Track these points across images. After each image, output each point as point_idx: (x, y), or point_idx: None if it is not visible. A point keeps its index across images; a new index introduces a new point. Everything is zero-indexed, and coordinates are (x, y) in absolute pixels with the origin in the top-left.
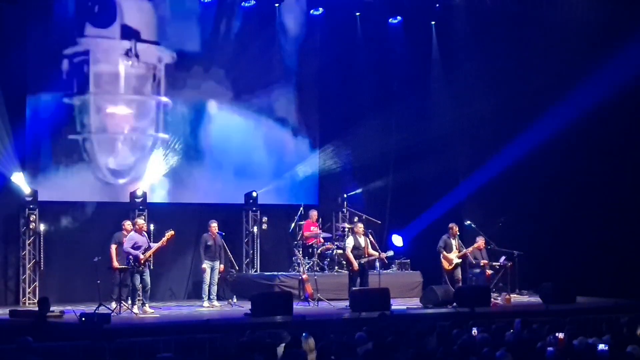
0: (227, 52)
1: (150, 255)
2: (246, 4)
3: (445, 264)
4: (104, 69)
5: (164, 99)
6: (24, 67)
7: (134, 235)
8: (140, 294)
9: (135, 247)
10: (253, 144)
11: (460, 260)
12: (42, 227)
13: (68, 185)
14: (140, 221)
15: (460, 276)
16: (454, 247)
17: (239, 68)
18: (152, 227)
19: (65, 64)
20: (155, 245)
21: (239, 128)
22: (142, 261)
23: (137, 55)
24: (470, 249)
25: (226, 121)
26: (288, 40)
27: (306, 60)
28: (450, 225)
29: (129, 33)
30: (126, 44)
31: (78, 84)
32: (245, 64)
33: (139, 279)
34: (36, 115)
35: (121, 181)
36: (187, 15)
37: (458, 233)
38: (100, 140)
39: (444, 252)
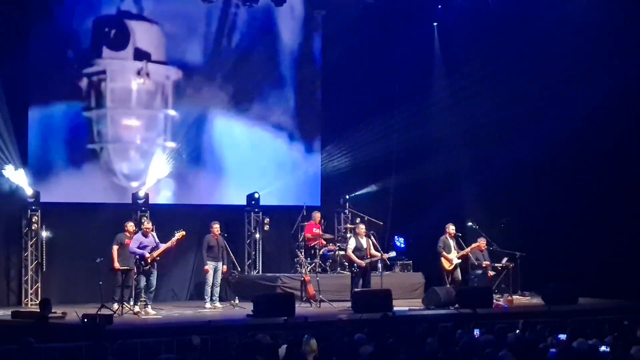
0: (228, 59)
1: (158, 255)
2: (247, 9)
3: (446, 264)
4: (119, 86)
5: (171, 112)
6: (27, 77)
7: (139, 236)
8: (144, 295)
9: (141, 247)
10: (255, 146)
11: (460, 260)
12: (44, 228)
13: (72, 187)
14: (148, 224)
15: (460, 277)
16: (453, 247)
17: (240, 73)
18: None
19: (84, 82)
20: (163, 246)
21: (242, 132)
22: (150, 260)
23: (147, 74)
24: (469, 248)
25: (229, 126)
26: (289, 42)
27: (308, 62)
28: (447, 225)
29: (140, 55)
30: (138, 64)
31: (96, 99)
32: (246, 68)
33: (145, 280)
34: (40, 123)
35: (134, 184)
36: (192, 32)
37: (457, 233)
38: (116, 148)
39: (444, 253)
